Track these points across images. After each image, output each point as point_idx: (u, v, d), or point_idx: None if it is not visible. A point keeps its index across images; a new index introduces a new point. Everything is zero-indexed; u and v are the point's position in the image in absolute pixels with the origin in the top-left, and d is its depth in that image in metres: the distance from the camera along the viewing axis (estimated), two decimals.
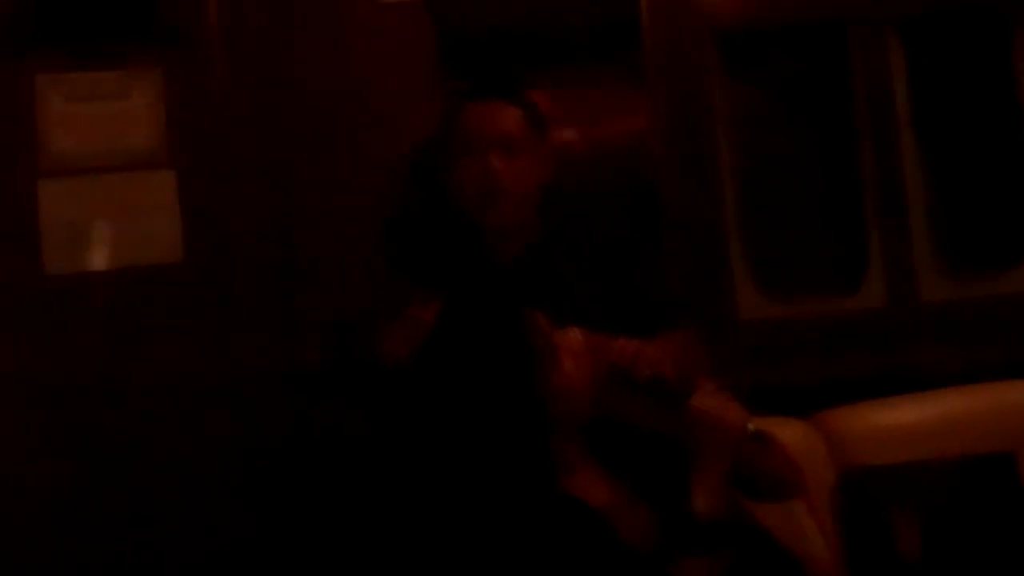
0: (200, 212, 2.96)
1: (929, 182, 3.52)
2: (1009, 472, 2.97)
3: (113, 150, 2.96)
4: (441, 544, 2.52)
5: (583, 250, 2.71)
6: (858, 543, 2.88)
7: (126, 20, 2.93)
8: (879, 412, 3.09)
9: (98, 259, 2.94)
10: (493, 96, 2.66)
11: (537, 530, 2.29)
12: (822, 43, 3.50)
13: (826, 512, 2.84)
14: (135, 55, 2.96)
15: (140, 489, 2.92)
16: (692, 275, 3.30)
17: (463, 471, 2.52)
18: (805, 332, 3.37)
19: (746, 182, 3.47)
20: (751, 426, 2.11)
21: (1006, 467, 2.97)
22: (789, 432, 2.57)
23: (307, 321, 2.99)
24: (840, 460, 3.01)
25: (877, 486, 2.94)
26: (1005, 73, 3.55)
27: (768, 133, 3.53)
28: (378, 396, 2.64)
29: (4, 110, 2.93)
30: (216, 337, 2.95)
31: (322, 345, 2.95)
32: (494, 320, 2.56)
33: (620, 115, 3.46)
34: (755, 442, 2.21)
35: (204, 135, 2.97)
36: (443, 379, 2.54)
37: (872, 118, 3.45)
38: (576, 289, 2.64)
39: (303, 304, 2.99)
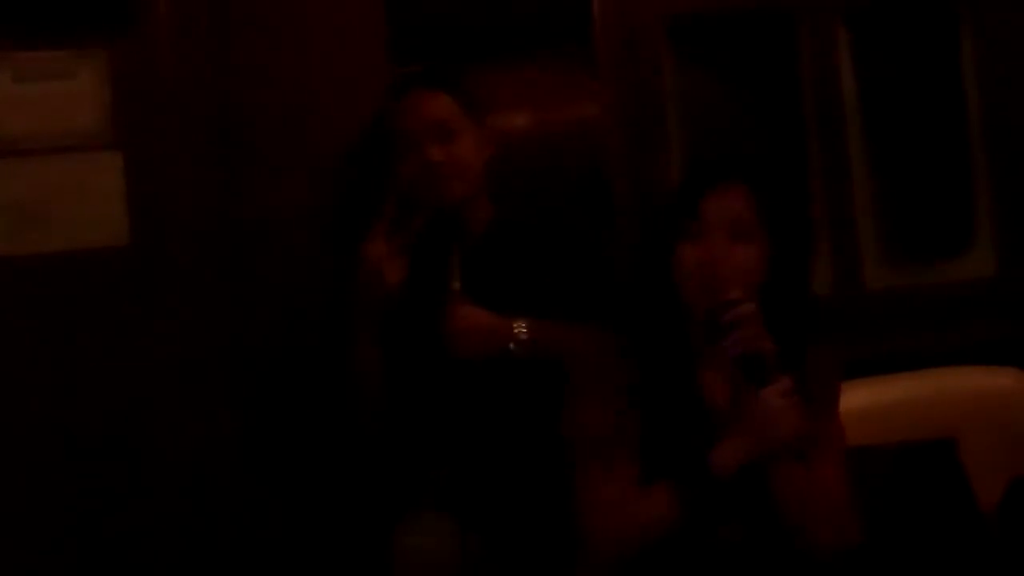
0: (146, 195, 2.95)
1: (875, 170, 3.54)
2: (951, 458, 3.00)
3: (59, 131, 2.94)
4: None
5: (533, 236, 2.75)
6: None
7: (74, 0, 2.92)
8: None
9: (43, 241, 2.92)
10: (424, 87, 2.72)
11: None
12: (771, 32, 3.52)
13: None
14: (82, 36, 2.94)
15: (85, 472, 2.90)
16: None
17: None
18: None
19: None
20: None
21: (948, 453, 3.00)
22: None
23: (254, 305, 2.99)
24: None
25: None
26: (951, 63, 3.57)
27: (717, 120, 3.55)
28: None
29: None
30: (161, 321, 2.94)
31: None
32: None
33: (572, 101, 3.47)
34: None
35: (151, 117, 2.95)
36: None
37: (819, 106, 3.47)
38: (526, 273, 2.69)
39: (249, 288, 2.99)
